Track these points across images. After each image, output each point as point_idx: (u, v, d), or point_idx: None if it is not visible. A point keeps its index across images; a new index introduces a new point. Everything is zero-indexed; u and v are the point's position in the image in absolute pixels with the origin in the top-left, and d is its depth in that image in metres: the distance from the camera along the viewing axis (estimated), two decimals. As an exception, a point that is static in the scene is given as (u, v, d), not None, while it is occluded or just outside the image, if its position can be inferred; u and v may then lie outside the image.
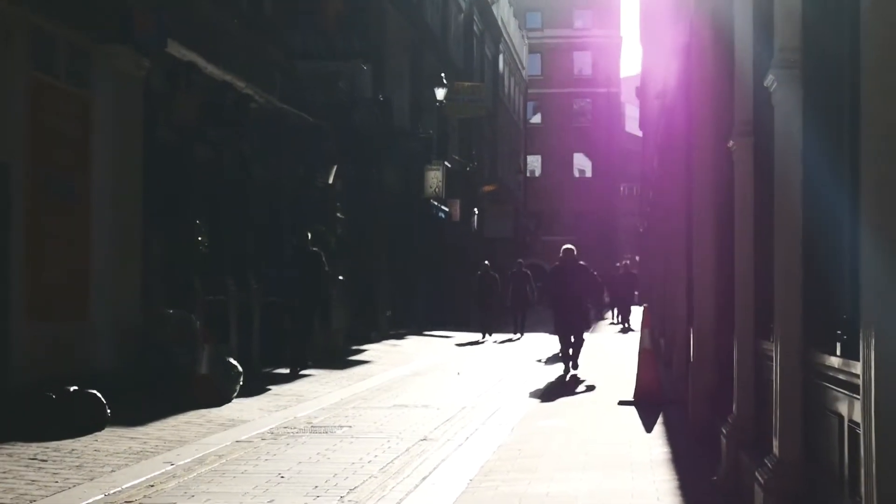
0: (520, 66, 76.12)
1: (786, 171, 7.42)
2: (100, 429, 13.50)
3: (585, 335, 23.77)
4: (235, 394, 17.25)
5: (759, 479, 7.36)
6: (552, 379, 21.74)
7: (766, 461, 7.44)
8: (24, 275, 15.34)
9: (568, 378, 21.76)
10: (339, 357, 26.30)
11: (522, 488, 10.03)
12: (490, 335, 36.79)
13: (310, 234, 23.29)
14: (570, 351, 22.44)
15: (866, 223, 4.90)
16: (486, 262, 40.54)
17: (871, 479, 4.73)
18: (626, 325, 42.38)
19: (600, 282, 27.69)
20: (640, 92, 52.87)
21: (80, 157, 17.00)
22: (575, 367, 22.48)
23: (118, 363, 16.99)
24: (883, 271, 4.75)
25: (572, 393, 19.08)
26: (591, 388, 19.90)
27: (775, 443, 7.30)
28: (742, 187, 9.83)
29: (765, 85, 7.82)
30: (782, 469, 7.16)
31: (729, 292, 11.03)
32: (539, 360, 27.11)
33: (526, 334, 37.32)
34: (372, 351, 28.95)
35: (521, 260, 40.43)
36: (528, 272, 38.27)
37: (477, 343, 34.30)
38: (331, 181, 29.14)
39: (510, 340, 35.55)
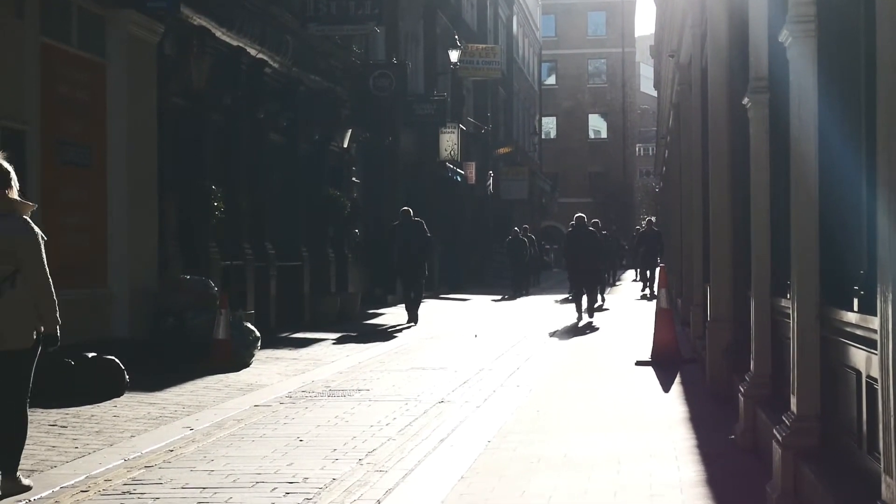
0: (534, 28, 75.82)
1: (801, 127, 7.37)
2: (118, 394, 13.58)
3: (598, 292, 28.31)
4: (253, 358, 17.31)
5: (777, 436, 7.34)
6: (569, 342, 21.75)
7: (783, 418, 7.43)
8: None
9: (581, 324, 25.71)
10: (356, 321, 26.36)
11: (540, 449, 10.04)
12: (523, 294, 39.23)
13: (410, 210, 26.94)
14: (585, 303, 26.65)
15: (883, 178, 4.86)
16: (517, 228, 43.16)
17: (889, 434, 4.71)
18: (651, 290, 36.01)
19: (612, 244, 33.09)
20: (655, 51, 52.61)
21: (94, 123, 17.00)
22: (591, 315, 26.74)
23: (135, 329, 17.06)
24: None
25: (590, 353, 19.09)
26: (593, 322, 25.35)
27: (793, 400, 7.29)
28: (757, 144, 9.78)
29: (779, 40, 7.77)
30: (800, 425, 7.14)
31: (745, 250, 10.99)
32: (549, 304, 29.02)
33: (541, 295, 37.39)
34: (388, 314, 28.99)
35: (517, 228, 43.11)
36: (525, 239, 41.36)
37: (502, 300, 34.34)
38: (346, 145, 29.11)
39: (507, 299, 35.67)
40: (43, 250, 8.38)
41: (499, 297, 37.92)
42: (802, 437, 7.10)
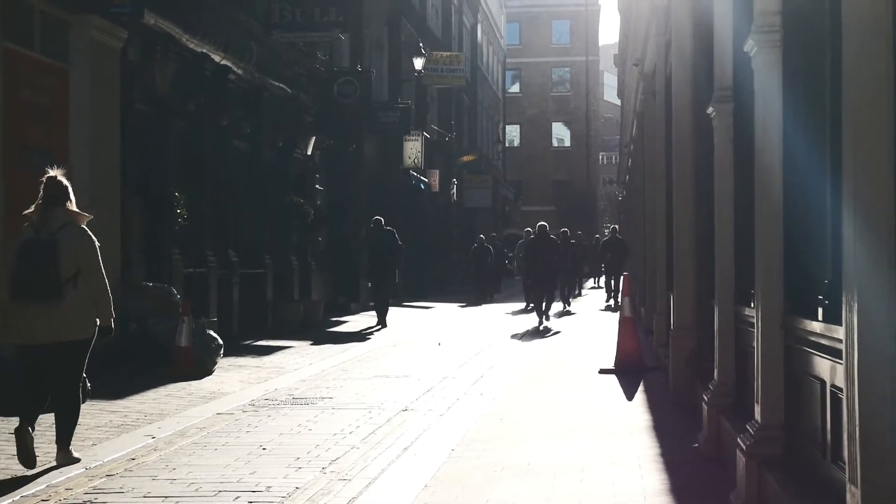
0: (498, 36, 75.91)
1: (766, 136, 7.40)
2: (82, 401, 13.43)
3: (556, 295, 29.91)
4: (216, 366, 17.24)
5: (741, 444, 7.36)
6: (532, 349, 21.76)
7: (747, 427, 7.44)
8: (3, 251, 15.22)
9: (541, 328, 26.85)
10: (320, 328, 26.31)
11: (504, 457, 10.03)
12: (487, 301, 39.73)
13: (382, 219, 28.17)
14: (543, 308, 27.80)
15: (848, 188, 4.88)
16: (482, 235, 43.79)
17: (854, 444, 4.73)
18: (616, 301, 35.04)
19: (571, 251, 34.36)
20: (619, 59, 52.79)
21: (57, 129, 16.87)
22: (547, 318, 28.02)
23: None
24: (864, 236, 4.73)
25: (554, 362, 19.09)
26: (557, 331, 25.89)
27: (757, 408, 7.31)
28: (722, 153, 9.81)
29: (745, 50, 7.80)
30: (764, 434, 7.16)
31: (709, 259, 11.02)
32: (505, 314, 30.74)
33: (504, 303, 37.46)
34: (352, 322, 28.93)
35: (482, 236, 43.74)
36: (490, 246, 41.88)
37: (466, 307, 34.36)
38: (310, 152, 29.06)
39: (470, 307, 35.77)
40: (99, 255, 9.78)
41: (463, 304, 38.02)
42: (766, 446, 7.12)
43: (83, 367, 9.95)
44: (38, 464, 9.71)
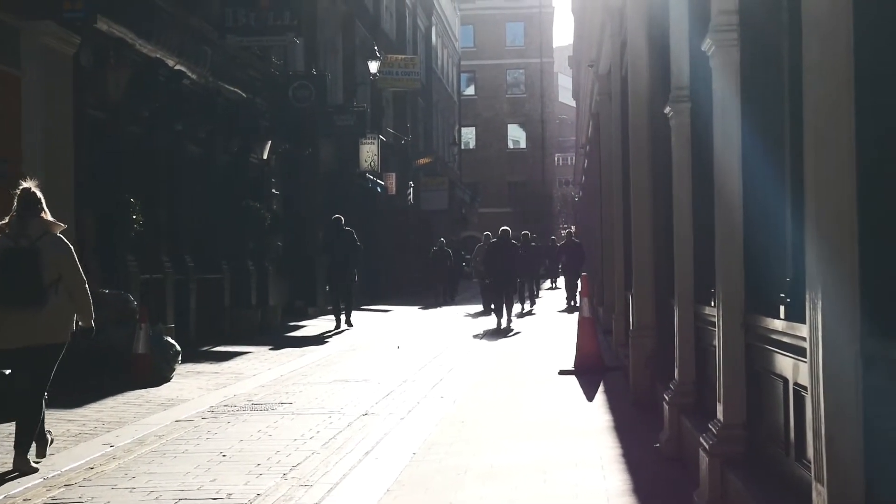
0: (452, 39, 75.92)
1: (724, 135, 7.40)
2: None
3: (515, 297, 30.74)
4: (174, 373, 17.11)
5: (704, 444, 7.35)
6: (492, 352, 21.75)
7: (710, 426, 7.43)
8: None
9: (502, 327, 27.73)
10: (278, 333, 26.19)
11: (466, 460, 10.00)
12: (447, 304, 40.25)
13: (342, 219, 28.48)
14: (504, 310, 28.63)
15: (810, 185, 4.87)
16: (442, 238, 44.43)
17: (819, 442, 4.71)
18: (573, 301, 35.61)
19: (533, 254, 35.59)
20: (574, 61, 52.91)
21: (8, 136, 16.73)
22: (509, 320, 28.71)
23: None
24: (828, 233, 4.72)
25: (514, 364, 19.08)
26: (517, 332, 26.68)
27: (719, 407, 7.30)
28: (679, 153, 9.81)
29: (702, 49, 7.79)
30: (726, 433, 7.15)
31: (668, 258, 11.03)
32: (464, 317, 32.14)
33: (464, 305, 37.51)
34: (310, 327, 28.83)
35: (442, 239, 44.29)
36: (449, 250, 42.39)
37: (426, 309, 34.31)
38: (265, 157, 28.95)
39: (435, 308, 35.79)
40: (77, 260, 10.23)
41: (423, 307, 38.05)
42: (729, 445, 7.12)
43: (52, 372, 10.24)
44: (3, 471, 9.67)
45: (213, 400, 14.72)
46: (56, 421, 12.84)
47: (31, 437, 10.06)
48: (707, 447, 7.24)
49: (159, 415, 13.47)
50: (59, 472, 9.94)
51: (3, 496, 8.92)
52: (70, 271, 10.13)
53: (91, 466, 10.17)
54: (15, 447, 9.97)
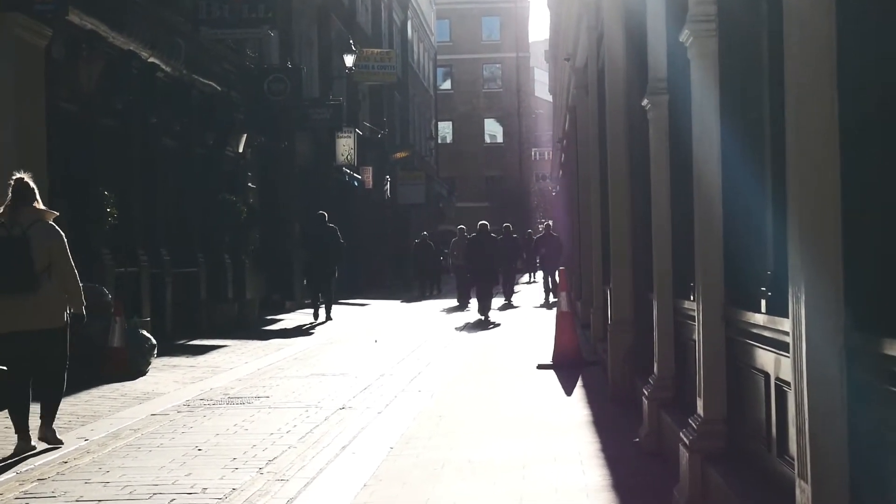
0: (428, 33, 75.81)
1: (703, 127, 7.34)
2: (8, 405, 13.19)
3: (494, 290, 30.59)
4: (149, 366, 17.01)
5: (684, 439, 7.29)
6: (470, 346, 21.69)
7: (690, 421, 7.37)
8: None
9: (483, 321, 27.75)
10: (255, 327, 26.10)
11: (444, 455, 9.93)
12: (430, 296, 41.05)
13: (326, 214, 29.00)
14: (484, 302, 28.75)
15: (792, 176, 4.80)
16: (425, 232, 45.14)
17: (803, 438, 4.64)
18: (550, 297, 35.23)
19: (512, 246, 36.08)
20: (550, 55, 52.86)
21: (-20, 128, 16.56)
22: (487, 313, 28.70)
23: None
24: (811, 225, 4.65)
25: (492, 358, 19.02)
26: (496, 325, 26.92)
27: (699, 402, 7.24)
28: (657, 145, 9.76)
29: (680, 40, 7.73)
30: (707, 428, 7.09)
31: (646, 252, 10.98)
32: (441, 311, 32.60)
33: (443, 299, 37.47)
34: (287, 320, 28.74)
35: (425, 233, 44.95)
36: (432, 243, 43.13)
37: (407, 303, 34.24)
38: (241, 150, 28.81)
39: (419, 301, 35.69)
40: (68, 249, 10.72)
41: (403, 300, 38.06)
42: (709, 440, 7.05)
43: (66, 352, 10.85)
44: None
45: (189, 394, 14.61)
46: (30, 415, 12.71)
47: (54, 412, 10.81)
48: (687, 442, 7.18)
49: (134, 408, 13.36)
50: (32, 466, 9.85)
51: None
52: (60, 258, 10.61)
53: (65, 461, 10.07)
54: (40, 418, 10.74)
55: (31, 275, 10.41)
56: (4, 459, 10.22)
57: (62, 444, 10.69)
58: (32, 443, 10.59)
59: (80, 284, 10.93)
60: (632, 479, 8.71)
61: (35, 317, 10.50)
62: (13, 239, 10.43)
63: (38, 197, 10.74)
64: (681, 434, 7.42)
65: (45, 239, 10.53)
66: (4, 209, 10.63)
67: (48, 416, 10.79)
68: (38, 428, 10.74)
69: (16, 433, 10.59)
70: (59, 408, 12.71)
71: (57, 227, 10.74)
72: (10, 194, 10.66)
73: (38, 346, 10.63)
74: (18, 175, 10.74)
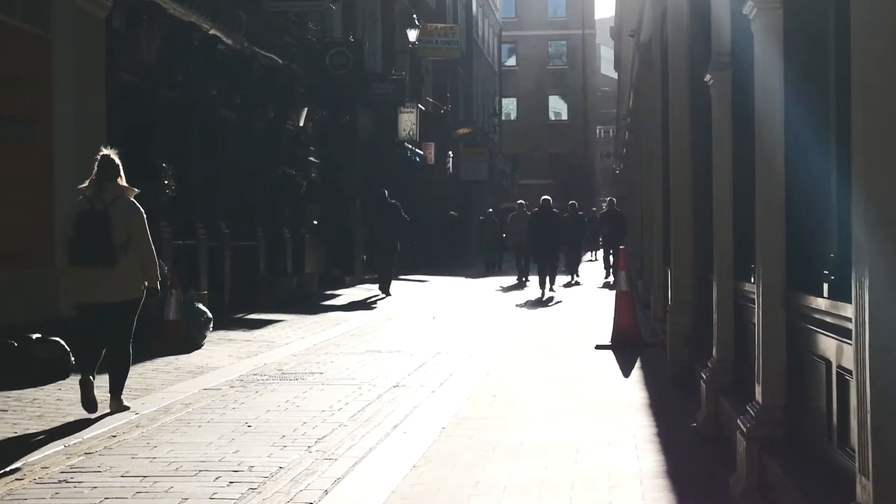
0: (493, 9, 75.39)
1: (766, 103, 7.06)
2: (63, 377, 13.21)
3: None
4: (205, 340, 16.94)
5: (741, 426, 7.04)
6: (528, 324, 21.50)
7: (748, 408, 7.12)
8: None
9: (544, 298, 27.71)
10: (313, 302, 26.02)
11: (496, 436, 9.74)
12: (491, 273, 41.04)
13: (386, 191, 29.69)
14: (547, 278, 28.84)
15: (859, 155, 4.54)
16: (490, 209, 46.20)
17: (865, 432, 4.39)
18: (613, 276, 33.04)
19: (578, 223, 36.45)
20: (615, 32, 52.42)
21: (39, 99, 16.50)
22: (552, 289, 29.05)
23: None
24: (877, 207, 4.39)
25: (549, 337, 18.81)
26: (556, 302, 26.80)
27: (758, 389, 6.98)
28: (720, 122, 9.49)
29: (744, 13, 7.45)
30: (765, 416, 6.83)
31: (707, 232, 10.73)
32: (500, 288, 32.57)
33: (505, 276, 37.29)
34: (346, 295, 28.66)
35: (490, 209, 45.92)
36: (496, 220, 43.24)
37: (459, 283, 34.08)
38: (302, 124, 28.69)
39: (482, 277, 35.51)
40: (147, 225, 11.09)
41: (464, 276, 37.95)
42: (768, 429, 6.79)
43: (133, 325, 11.24)
44: (15, 440, 9.51)
45: (243, 368, 14.53)
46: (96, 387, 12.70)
47: (121, 383, 11.14)
48: (744, 430, 6.93)
49: (187, 383, 13.29)
50: (80, 439, 9.78)
51: (21, 462, 8.74)
52: (139, 234, 10.98)
53: (114, 434, 9.99)
54: (109, 392, 11.07)
55: (111, 249, 10.78)
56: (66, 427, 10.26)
57: (129, 408, 11.09)
58: (97, 406, 10.91)
59: (156, 260, 11.32)
60: (687, 465, 8.47)
61: (113, 289, 10.88)
62: (96, 213, 10.82)
63: (121, 173, 11.12)
64: (738, 421, 7.17)
65: (125, 215, 10.91)
66: (89, 183, 11.06)
67: (116, 388, 11.13)
68: (107, 401, 11.08)
69: (81, 392, 10.89)
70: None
71: (137, 204, 11.12)
72: (94, 169, 11.10)
73: (112, 317, 11.02)
74: (105, 151, 11.19)
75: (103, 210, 10.84)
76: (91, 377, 10.88)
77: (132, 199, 11.12)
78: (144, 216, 11.13)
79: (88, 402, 10.80)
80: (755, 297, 7.26)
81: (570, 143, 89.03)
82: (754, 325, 7.37)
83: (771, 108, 7.00)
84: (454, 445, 9.38)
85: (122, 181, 11.13)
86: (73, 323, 12.30)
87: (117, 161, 11.13)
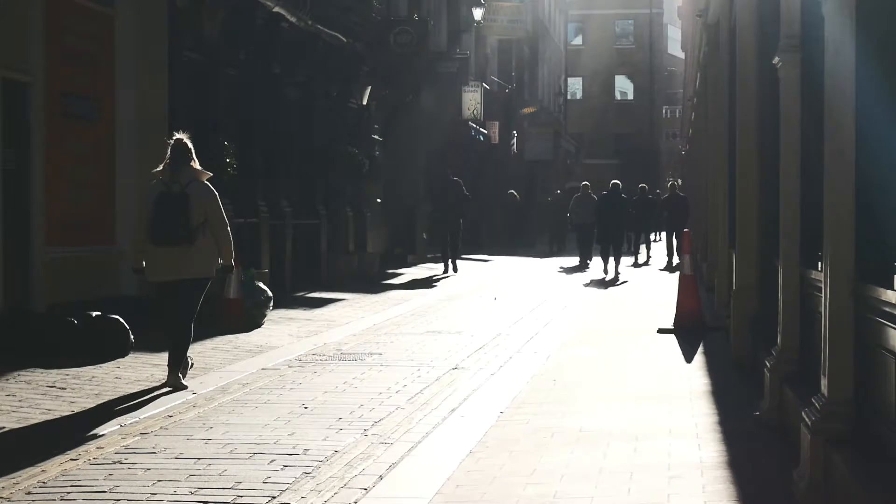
0: (560, -13, 74.93)
1: (838, 87, 6.83)
2: (123, 355, 13.24)
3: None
4: (265, 319, 16.90)
5: (806, 419, 6.84)
6: (590, 306, 21.31)
7: (813, 401, 6.91)
8: (44, 199, 14.94)
9: (608, 279, 28.34)
10: (375, 281, 25.96)
11: (555, 422, 9.59)
12: (555, 253, 41.15)
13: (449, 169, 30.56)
14: (611, 259, 29.51)
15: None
16: (558, 190, 46.22)
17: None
18: (674, 258, 33.85)
19: (647, 206, 36.49)
20: (683, 11, 51.91)
21: (101, 76, 16.55)
22: (616, 271, 29.42)
23: (144, 287, 16.56)
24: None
25: (611, 320, 18.62)
26: (623, 281, 27.90)
27: (824, 381, 6.77)
28: (788, 105, 9.26)
29: (816, -7, 7.23)
30: (831, 410, 6.61)
31: (773, 216, 10.50)
32: (563, 269, 32.85)
33: (571, 257, 37.08)
34: (408, 274, 28.59)
35: (559, 190, 45.78)
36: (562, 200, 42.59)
37: (522, 263, 33.91)
38: (365, 102, 28.57)
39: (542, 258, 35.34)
40: (221, 205, 11.61)
41: (525, 257, 37.86)
42: (834, 423, 6.57)
43: (200, 302, 11.71)
44: (72, 418, 9.55)
45: (302, 348, 14.47)
46: (141, 365, 12.75)
47: (181, 358, 11.47)
48: (809, 423, 6.73)
49: (245, 362, 13.25)
50: (137, 419, 9.76)
51: (77, 444, 8.70)
52: (215, 215, 11.46)
53: (170, 415, 9.96)
54: (168, 366, 11.45)
55: (189, 229, 11.21)
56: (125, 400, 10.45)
57: (187, 387, 11.31)
58: (183, 381, 11.43)
59: (231, 239, 11.79)
60: (750, 457, 8.25)
61: (190, 267, 11.35)
62: (173, 195, 11.25)
63: (194, 157, 11.54)
64: (803, 414, 6.97)
65: (201, 196, 11.34)
66: (164, 167, 11.44)
67: (175, 363, 11.43)
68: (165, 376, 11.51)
69: (168, 367, 11.48)
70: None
71: (211, 186, 11.55)
72: (168, 153, 11.47)
73: (186, 293, 11.50)
74: (178, 136, 11.55)
75: (181, 192, 11.25)
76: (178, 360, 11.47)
77: (205, 181, 11.53)
78: (219, 197, 11.60)
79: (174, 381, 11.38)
80: (822, 286, 7.05)
81: (635, 123, 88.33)
82: (821, 314, 7.17)
83: (842, 92, 6.77)
84: (511, 431, 9.25)
85: (196, 164, 11.56)
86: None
87: (190, 145, 11.52)
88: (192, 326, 11.63)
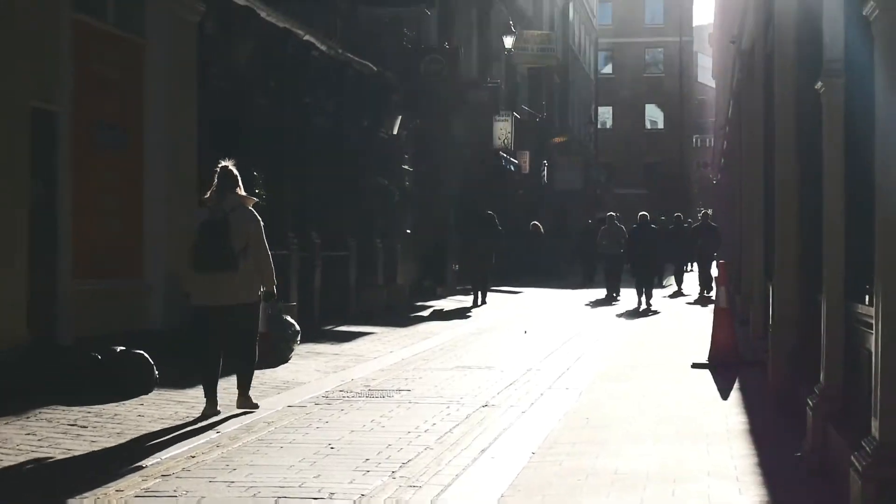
0: (590, 16, 74.78)
1: (888, 112, 6.50)
2: (147, 391, 12.98)
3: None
4: (292, 353, 16.63)
5: (856, 463, 6.49)
6: (622, 340, 20.97)
7: (863, 444, 6.56)
8: (71, 230, 14.70)
9: (641, 309, 28.39)
10: (404, 313, 25.66)
11: (589, 463, 9.26)
12: (587, 285, 40.35)
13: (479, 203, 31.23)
14: (644, 291, 29.22)
15: None
16: (590, 220, 46.17)
17: None
18: (706, 292, 32.64)
19: (682, 236, 36.49)
20: (714, 39, 51.62)
21: (131, 105, 16.35)
22: (648, 304, 29.02)
23: (170, 321, 16.33)
24: None
25: (644, 354, 18.26)
26: (655, 312, 27.93)
27: (875, 424, 6.43)
28: (832, 131, 8.93)
29: (864, 14, 6.90)
30: (884, 454, 6.26)
31: (815, 247, 10.15)
32: (594, 301, 32.27)
33: (599, 288, 36.73)
34: (438, 306, 28.29)
35: (590, 220, 45.46)
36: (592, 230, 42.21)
37: (552, 295, 33.58)
38: (395, 132, 28.36)
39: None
40: (263, 232, 11.91)
41: (556, 288, 37.58)
42: (887, 468, 6.22)
43: (257, 325, 12.18)
44: (92, 459, 9.22)
45: (330, 384, 14.19)
46: (165, 402, 12.48)
47: (248, 381, 12.03)
48: (860, 468, 6.38)
49: (272, 399, 12.95)
50: (158, 460, 9.45)
51: (96, 486, 8.42)
52: (256, 241, 11.78)
53: (193, 455, 9.66)
54: (238, 388, 12.02)
55: (231, 254, 11.49)
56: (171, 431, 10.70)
57: (258, 406, 11.97)
58: (217, 408, 11.67)
59: (273, 266, 12.08)
60: (794, 501, 7.91)
61: (233, 292, 11.62)
62: (216, 222, 11.55)
63: (240, 183, 11.88)
64: (852, 458, 6.62)
65: (243, 222, 11.67)
66: (211, 194, 11.79)
67: (244, 385, 11.95)
68: (235, 398, 12.02)
69: (205, 397, 11.75)
70: (195, 396, 12.55)
71: (255, 212, 11.90)
72: (215, 181, 11.81)
73: (233, 319, 11.76)
74: (223, 163, 11.85)
75: (223, 218, 11.55)
76: (215, 394, 11.76)
77: (250, 207, 11.87)
78: (261, 223, 11.90)
79: (208, 416, 11.52)
80: (872, 321, 6.71)
81: (665, 152, 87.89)
82: (869, 351, 6.83)
83: (892, 118, 6.44)
84: (544, 473, 8.91)
85: (241, 191, 11.91)
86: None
87: (235, 172, 11.85)
88: (255, 348, 12.09)
